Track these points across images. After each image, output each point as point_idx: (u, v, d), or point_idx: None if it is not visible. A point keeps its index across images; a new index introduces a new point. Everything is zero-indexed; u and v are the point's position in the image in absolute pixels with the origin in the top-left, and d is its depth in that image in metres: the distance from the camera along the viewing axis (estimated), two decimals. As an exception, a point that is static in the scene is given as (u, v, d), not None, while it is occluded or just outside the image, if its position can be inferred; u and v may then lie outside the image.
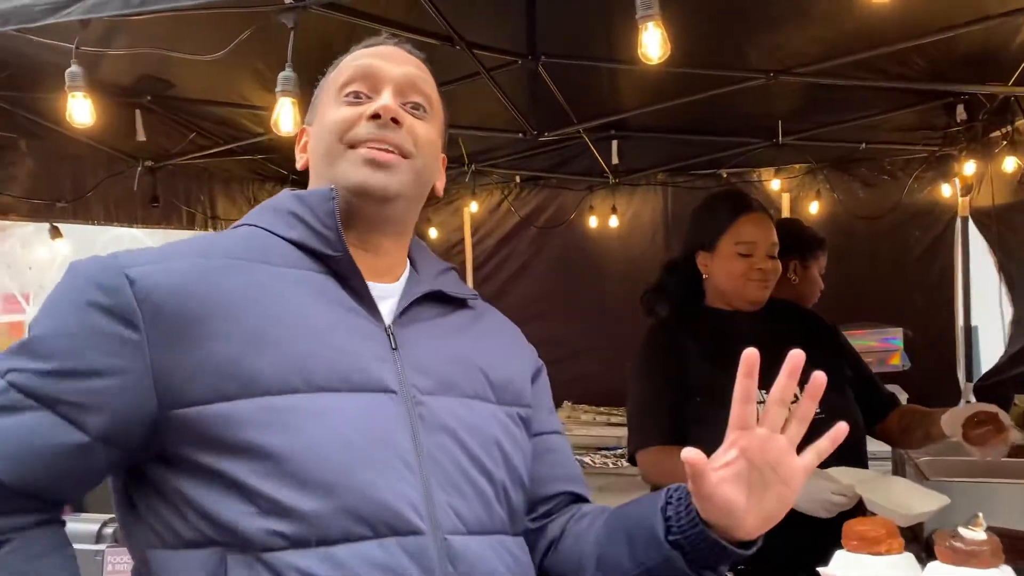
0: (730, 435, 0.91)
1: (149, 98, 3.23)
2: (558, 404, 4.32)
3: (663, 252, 4.64)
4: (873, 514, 1.63)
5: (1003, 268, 3.88)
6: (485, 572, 0.93)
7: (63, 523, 0.93)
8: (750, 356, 0.89)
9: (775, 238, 2.02)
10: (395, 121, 1.01)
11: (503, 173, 4.67)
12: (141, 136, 3.31)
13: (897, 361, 3.81)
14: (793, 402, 1.89)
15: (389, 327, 1.00)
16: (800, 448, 1.86)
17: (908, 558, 1.37)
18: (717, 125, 4.02)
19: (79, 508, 1.87)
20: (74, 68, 2.23)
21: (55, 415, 0.85)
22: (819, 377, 0.87)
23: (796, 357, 0.88)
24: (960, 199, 4.11)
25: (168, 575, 0.86)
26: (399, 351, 0.98)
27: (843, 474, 1.79)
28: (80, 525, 1.81)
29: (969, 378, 4.20)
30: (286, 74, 2.15)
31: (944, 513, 1.69)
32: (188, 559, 0.85)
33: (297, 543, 0.84)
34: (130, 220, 3.84)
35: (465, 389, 1.02)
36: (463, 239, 5.00)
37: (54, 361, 0.85)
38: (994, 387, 3.75)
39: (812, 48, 2.91)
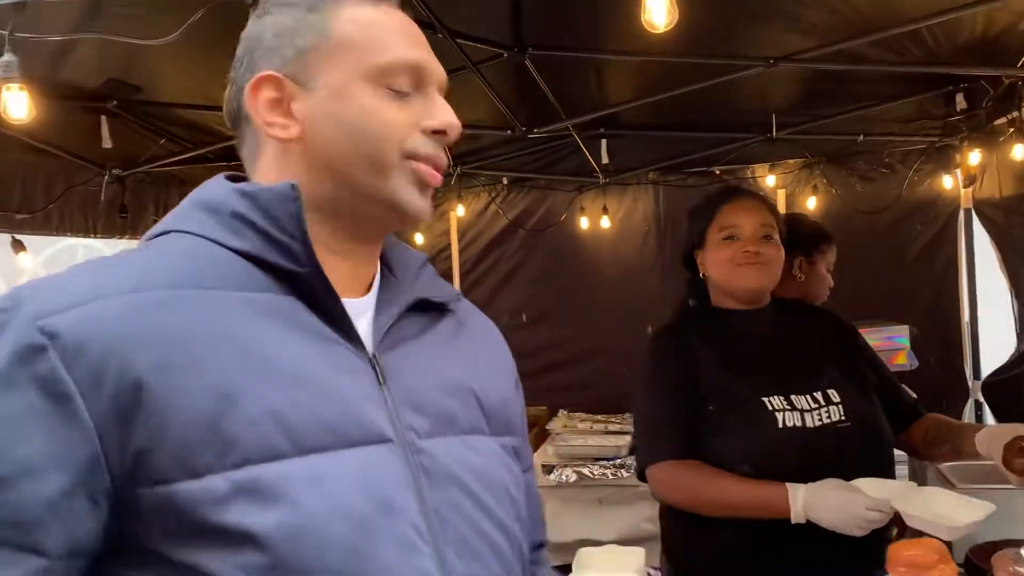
0: None
1: (115, 102, 3.07)
2: (553, 413, 4.17)
3: (655, 253, 4.52)
4: (918, 533, 1.48)
5: (1007, 262, 3.77)
6: None
7: None
8: None
9: (767, 219, 1.87)
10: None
11: (490, 175, 4.52)
12: (107, 143, 3.15)
13: (903, 360, 3.67)
14: (816, 407, 1.76)
15: (374, 355, 0.83)
16: (828, 456, 1.72)
17: (965, 586, 1.22)
18: (709, 121, 3.92)
19: None
20: (8, 57, 2.02)
21: None
22: None
23: None
24: (962, 191, 3.99)
25: None
26: (387, 385, 0.82)
27: (872, 486, 1.65)
28: None
29: (976, 376, 4.07)
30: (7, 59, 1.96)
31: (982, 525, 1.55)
32: None
33: None
34: (97, 231, 3.66)
35: (463, 424, 0.87)
36: (450, 244, 4.83)
37: None
38: (1003, 384, 3.63)
39: (811, 35, 2.80)
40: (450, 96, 0.90)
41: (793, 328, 1.93)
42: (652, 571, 1.92)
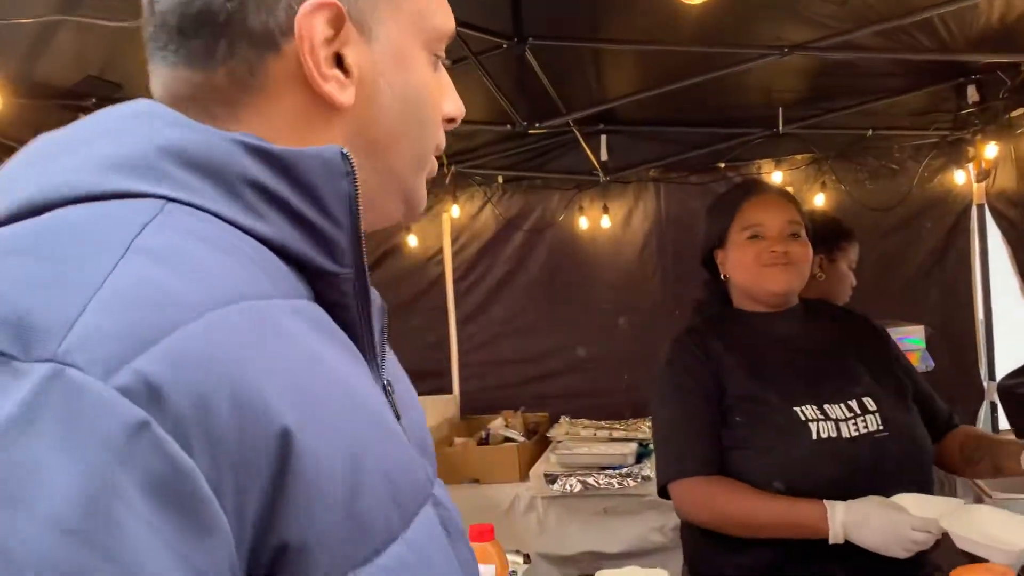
0: None
1: (94, 100, 2.90)
2: (555, 420, 4.02)
3: (657, 254, 4.38)
4: (978, 559, 1.35)
5: (1019, 261, 3.66)
6: None
7: None
8: None
9: (794, 216, 1.77)
10: None
11: (485, 174, 4.37)
12: (87, 144, 3.00)
13: (917, 362, 3.54)
14: (852, 416, 1.63)
15: (388, 383, 0.64)
16: (865, 469, 1.59)
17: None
18: (712, 115, 3.79)
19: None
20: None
21: None
22: None
23: None
24: (975, 185, 3.86)
25: None
26: (402, 421, 0.63)
27: (915, 503, 1.52)
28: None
29: (992, 376, 3.95)
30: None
31: None
32: None
33: None
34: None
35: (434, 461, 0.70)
36: (442, 248, 4.65)
37: None
38: (1020, 387, 3.51)
39: (820, 27, 2.68)
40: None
41: (823, 331, 1.81)
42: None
